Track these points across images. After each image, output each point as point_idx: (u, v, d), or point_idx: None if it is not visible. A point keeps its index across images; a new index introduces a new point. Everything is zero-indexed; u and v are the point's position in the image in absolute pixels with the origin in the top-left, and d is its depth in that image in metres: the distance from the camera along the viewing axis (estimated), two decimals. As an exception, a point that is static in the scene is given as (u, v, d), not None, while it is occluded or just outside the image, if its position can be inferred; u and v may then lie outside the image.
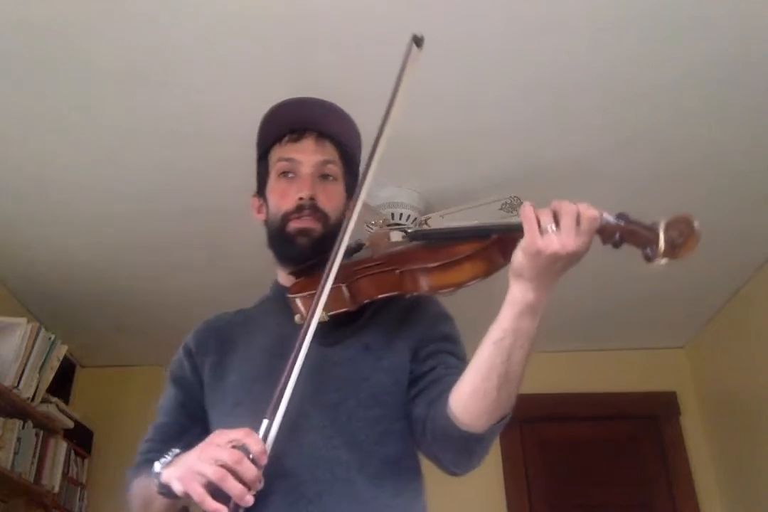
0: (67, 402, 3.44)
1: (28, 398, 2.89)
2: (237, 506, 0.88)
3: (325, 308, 1.06)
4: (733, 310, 3.40)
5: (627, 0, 1.90)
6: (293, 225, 1.20)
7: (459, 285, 1.02)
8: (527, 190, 2.42)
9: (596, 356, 3.81)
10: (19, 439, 2.86)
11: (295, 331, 1.04)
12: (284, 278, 1.27)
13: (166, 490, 0.96)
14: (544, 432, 3.67)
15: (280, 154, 1.28)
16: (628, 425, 3.73)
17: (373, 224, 2.41)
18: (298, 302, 1.13)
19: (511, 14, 1.93)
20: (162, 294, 3.32)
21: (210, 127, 2.31)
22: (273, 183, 1.28)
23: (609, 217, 0.90)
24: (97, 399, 3.82)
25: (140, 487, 1.09)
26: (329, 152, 1.27)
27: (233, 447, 0.91)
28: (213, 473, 0.88)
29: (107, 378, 3.95)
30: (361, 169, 1.16)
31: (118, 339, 3.73)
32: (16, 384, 2.81)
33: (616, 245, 0.91)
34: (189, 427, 1.20)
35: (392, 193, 2.59)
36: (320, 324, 1.07)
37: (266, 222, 1.28)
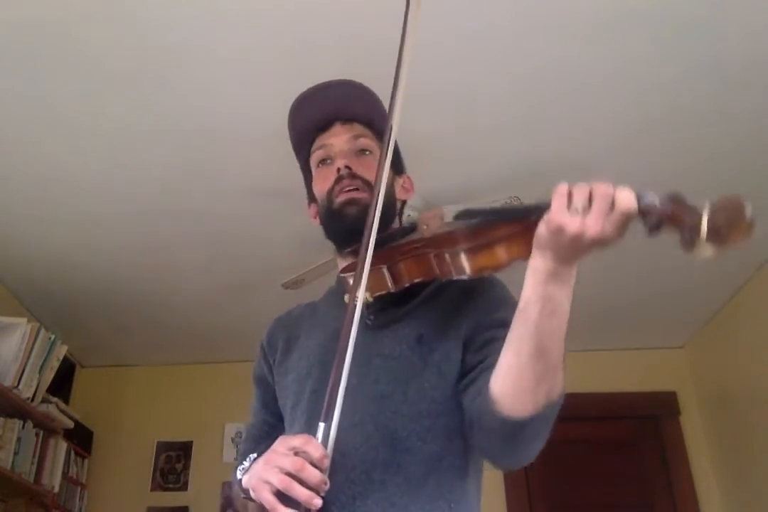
0: (67, 402, 3.45)
1: (28, 398, 2.89)
2: (307, 509, 0.91)
3: (369, 289, 1.03)
4: (733, 310, 3.40)
5: (629, 0, 1.90)
6: (338, 199, 1.19)
7: (495, 268, 0.95)
8: (527, 190, 2.42)
9: (596, 356, 3.81)
10: (19, 439, 2.86)
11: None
12: (342, 264, 1.23)
13: (248, 495, 1.00)
14: (544, 432, 3.67)
15: (314, 147, 1.29)
16: (628, 425, 3.73)
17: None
18: (349, 281, 1.10)
19: (512, 14, 1.93)
20: (162, 295, 3.32)
21: (211, 127, 2.31)
22: (315, 175, 1.29)
23: (649, 200, 0.81)
24: (97, 399, 3.83)
25: (237, 493, 1.15)
26: (358, 129, 1.27)
27: (296, 453, 0.92)
28: (279, 482, 0.91)
29: (107, 378, 3.96)
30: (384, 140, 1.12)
31: (118, 339, 3.74)
32: (16, 384, 2.81)
33: (653, 232, 0.81)
34: (276, 425, 1.22)
35: (392, 193, 2.59)
36: (366, 305, 1.04)
37: (319, 217, 1.27)
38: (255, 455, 1.04)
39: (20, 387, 2.83)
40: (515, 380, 0.92)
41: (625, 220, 0.82)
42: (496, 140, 2.41)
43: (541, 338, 0.89)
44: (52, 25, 1.93)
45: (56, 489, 3.10)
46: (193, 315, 3.50)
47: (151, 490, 3.67)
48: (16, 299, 3.33)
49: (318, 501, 0.89)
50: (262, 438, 1.19)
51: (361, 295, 0.98)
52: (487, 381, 0.96)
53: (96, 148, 2.41)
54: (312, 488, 0.90)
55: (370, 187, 1.16)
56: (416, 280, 1.05)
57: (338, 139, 1.25)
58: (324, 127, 1.28)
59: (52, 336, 3.05)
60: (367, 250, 0.99)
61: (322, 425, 0.93)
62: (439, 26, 1.97)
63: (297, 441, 0.94)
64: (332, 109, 1.27)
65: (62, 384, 3.41)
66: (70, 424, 3.27)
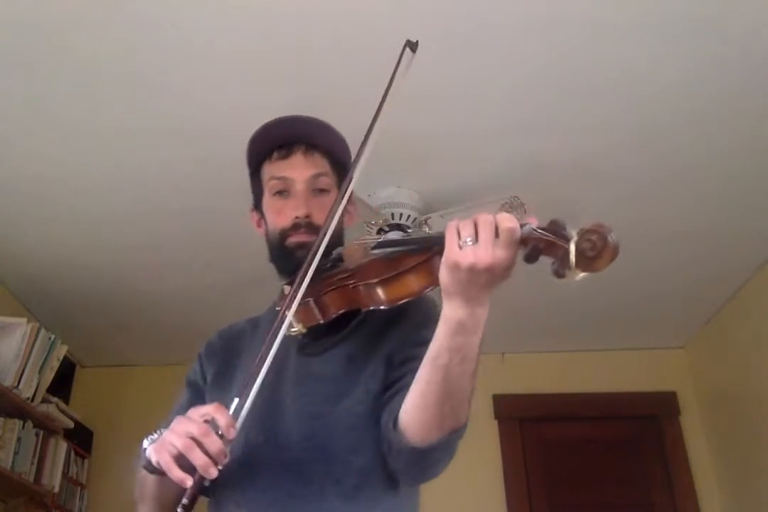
0: (67, 402, 3.45)
1: (28, 398, 2.88)
2: (201, 477, 0.92)
3: (302, 321, 1.10)
4: (733, 310, 3.40)
5: (629, 0, 1.90)
6: (292, 239, 1.22)
7: (410, 296, 1.00)
8: (527, 190, 2.43)
9: (596, 356, 3.81)
10: (19, 439, 2.86)
11: (286, 345, 1.09)
12: (286, 290, 1.27)
13: (149, 465, 1.00)
14: (544, 432, 3.67)
15: (271, 172, 1.28)
16: (628, 425, 3.73)
17: (373, 224, 2.40)
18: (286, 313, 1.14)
19: (512, 14, 1.93)
20: (162, 295, 3.32)
21: (210, 127, 2.31)
22: (268, 201, 1.29)
23: (527, 228, 0.86)
24: (97, 399, 3.83)
25: (138, 472, 1.12)
26: (320, 164, 1.27)
27: (205, 421, 0.94)
28: (181, 444, 0.92)
29: (107, 378, 3.96)
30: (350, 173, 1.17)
31: (118, 339, 3.74)
32: (16, 384, 2.81)
33: (530, 259, 0.86)
34: None
35: (392, 193, 2.59)
36: (302, 335, 1.12)
37: (266, 237, 1.30)
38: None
39: (20, 387, 2.83)
40: (420, 416, 0.97)
41: (512, 243, 0.86)
42: (496, 141, 2.41)
43: (449, 383, 0.93)
44: (51, 25, 1.94)
45: (56, 489, 3.10)
46: (193, 314, 3.49)
47: (151, 490, 3.67)
48: (16, 299, 3.33)
49: (213, 471, 0.91)
50: None
51: (287, 324, 1.04)
52: (400, 403, 1.00)
53: (96, 147, 2.41)
54: (211, 457, 0.91)
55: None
56: (342, 311, 1.10)
57: (298, 175, 1.24)
58: (285, 146, 1.26)
59: (52, 336, 3.05)
60: (301, 282, 1.06)
61: (236, 400, 0.97)
62: (439, 27, 1.97)
63: (208, 408, 0.97)
64: (297, 132, 1.27)
65: (62, 384, 3.41)
66: (70, 424, 3.27)
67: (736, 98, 2.22)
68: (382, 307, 1.04)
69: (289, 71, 2.11)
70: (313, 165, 1.26)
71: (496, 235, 0.85)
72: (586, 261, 0.79)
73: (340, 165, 1.28)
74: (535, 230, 0.85)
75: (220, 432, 0.93)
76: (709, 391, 3.66)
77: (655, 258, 2.98)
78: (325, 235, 1.10)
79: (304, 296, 1.09)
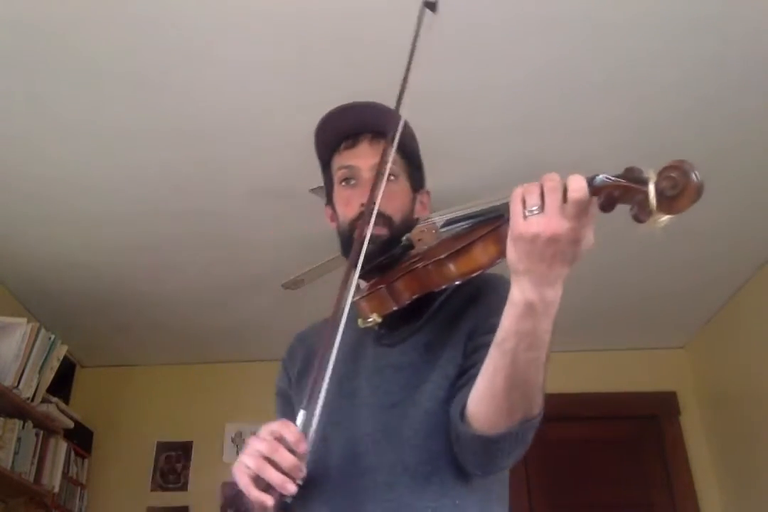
0: (67, 402, 3.45)
1: (28, 398, 2.89)
2: (281, 495, 0.90)
3: (375, 311, 1.08)
4: (733, 310, 3.40)
5: (629, 0, 1.90)
6: (360, 232, 1.20)
7: (480, 268, 0.97)
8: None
9: (596, 356, 3.81)
10: (19, 439, 2.86)
11: (363, 336, 1.11)
12: (362, 284, 1.26)
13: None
14: (544, 432, 3.64)
15: (339, 162, 1.28)
16: (628, 425, 3.73)
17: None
18: (360, 304, 1.13)
19: (512, 14, 1.93)
20: (161, 295, 3.32)
21: (210, 127, 2.31)
22: (337, 191, 1.29)
23: (598, 179, 0.81)
24: (97, 399, 3.83)
25: None
26: None
27: (274, 438, 0.93)
28: (254, 464, 0.91)
29: (107, 378, 3.96)
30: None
31: (118, 339, 3.74)
32: (16, 384, 2.82)
33: (605, 208, 0.80)
34: None
35: (392, 193, 2.59)
36: (378, 325, 1.10)
37: (338, 230, 1.29)
38: None
39: (20, 387, 2.83)
40: (488, 404, 0.94)
41: (581, 207, 0.80)
42: (496, 140, 2.41)
43: (517, 369, 0.89)
44: (51, 25, 1.93)
45: (56, 489, 3.10)
46: (193, 315, 3.50)
47: (151, 490, 3.67)
48: (16, 299, 3.33)
49: (291, 487, 0.89)
50: None
51: (344, 316, 1.01)
52: (468, 393, 0.98)
53: (96, 148, 2.41)
54: (286, 473, 0.90)
55: (391, 221, 1.18)
56: (416, 295, 1.07)
57: (364, 163, 1.24)
58: (351, 137, 1.26)
59: (52, 336, 3.05)
60: (353, 268, 1.04)
61: (302, 412, 0.95)
62: (439, 26, 1.96)
63: (275, 425, 0.95)
64: (362, 120, 1.27)
65: (62, 384, 3.41)
66: (70, 424, 3.27)
67: (736, 98, 2.21)
68: (455, 283, 1.01)
69: (289, 72, 2.11)
70: (380, 152, 1.24)
71: (564, 199, 0.80)
72: (668, 201, 0.72)
73: (408, 150, 1.27)
74: (608, 178, 0.79)
75: (290, 448, 0.91)
76: (709, 391, 3.66)
77: (656, 259, 2.98)
78: (371, 213, 1.08)
79: (377, 284, 1.08)
